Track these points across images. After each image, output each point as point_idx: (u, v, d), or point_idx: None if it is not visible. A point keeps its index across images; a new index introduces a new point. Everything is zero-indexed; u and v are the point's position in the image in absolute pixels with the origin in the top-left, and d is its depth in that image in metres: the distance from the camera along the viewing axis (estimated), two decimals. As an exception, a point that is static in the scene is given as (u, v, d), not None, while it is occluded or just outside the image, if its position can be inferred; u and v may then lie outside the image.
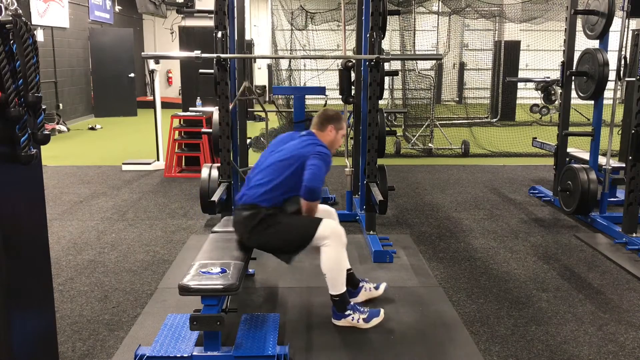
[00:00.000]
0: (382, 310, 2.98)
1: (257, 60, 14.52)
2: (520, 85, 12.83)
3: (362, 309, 2.96)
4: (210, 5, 4.29)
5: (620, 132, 6.07)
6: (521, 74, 12.97)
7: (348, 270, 3.16)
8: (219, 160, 4.31)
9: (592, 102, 5.01)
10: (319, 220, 2.90)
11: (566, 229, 4.77)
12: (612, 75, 4.73)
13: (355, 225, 4.75)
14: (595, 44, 4.98)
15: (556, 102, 11.36)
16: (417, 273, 3.72)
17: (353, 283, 3.23)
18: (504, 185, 6.39)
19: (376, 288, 3.28)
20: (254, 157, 7.37)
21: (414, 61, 10.08)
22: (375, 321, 2.94)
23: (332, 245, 2.85)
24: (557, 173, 5.41)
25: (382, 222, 4.87)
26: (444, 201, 5.68)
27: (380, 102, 4.21)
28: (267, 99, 14.93)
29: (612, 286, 3.59)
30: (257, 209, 2.89)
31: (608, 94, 5.00)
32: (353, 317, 2.93)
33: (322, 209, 3.16)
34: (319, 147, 2.98)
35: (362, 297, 3.22)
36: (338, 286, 2.91)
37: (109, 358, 2.69)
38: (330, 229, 2.87)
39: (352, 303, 2.97)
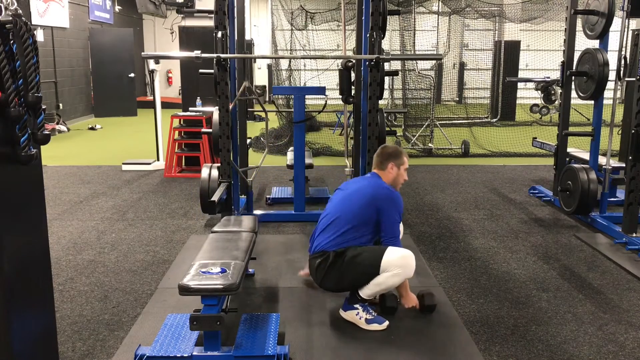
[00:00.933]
0: (387, 322, 2.96)
1: (257, 60, 14.52)
2: (520, 85, 12.83)
3: (371, 311, 2.97)
4: (210, 5, 4.29)
5: (620, 132, 6.07)
6: (521, 74, 12.96)
7: None
8: (219, 160, 4.31)
9: (592, 102, 5.01)
10: (383, 250, 2.91)
11: (566, 229, 4.77)
12: (612, 75, 4.73)
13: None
14: (595, 44, 4.98)
15: (556, 102, 11.36)
16: (417, 273, 3.67)
17: None
18: (504, 185, 6.39)
19: None
20: (254, 157, 7.38)
21: (414, 61, 10.08)
22: (375, 326, 2.93)
23: (399, 275, 2.88)
24: (557, 173, 5.41)
25: (382, 222, 4.87)
26: (444, 201, 5.68)
27: (380, 102, 4.21)
28: (267, 99, 14.93)
29: (612, 286, 3.58)
30: (326, 254, 2.97)
31: (608, 94, 5.00)
32: (358, 313, 2.95)
33: None
34: (385, 192, 3.01)
35: None
36: (369, 294, 2.94)
37: (109, 358, 2.69)
38: (396, 259, 2.88)
39: (366, 303, 2.98)
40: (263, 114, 5.85)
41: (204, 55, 3.99)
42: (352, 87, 4.77)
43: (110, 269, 3.82)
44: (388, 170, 3.14)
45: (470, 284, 3.61)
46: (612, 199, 5.29)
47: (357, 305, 2.96)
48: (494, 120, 12.15)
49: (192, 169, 6.92)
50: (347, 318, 2.99)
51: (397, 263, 2.86)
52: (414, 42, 10.43)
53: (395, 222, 3.01)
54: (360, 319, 2.94)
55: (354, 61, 4.51)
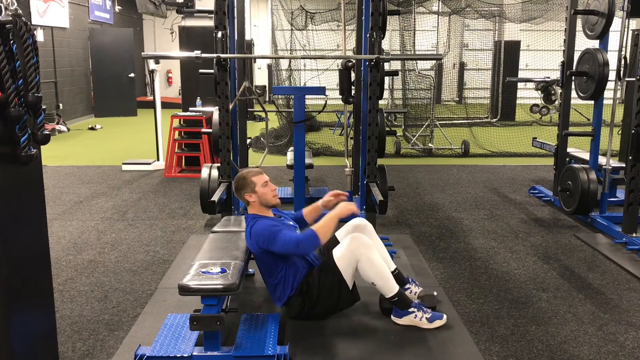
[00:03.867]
0: (445, 316, 2.94)
1: (257, 60, 14.52)
2: (520, 85, 12.83)
3: (425, 309, 2.92)
4: (210, 5, 4.29)
5: (620, 132, 6.07)
6: (521, 74, 12.96)
7: (394, 271, 3.15)
8: (219, 160, 4.31)
9: (592, 102, 5.01)
10: (331, 254, 2.90)
11: (566, 229, 4.77)
12: (612, 75, 4.73)
13: (355, 225, 4.74)
14: (595, 44, 4.98)
15: (556, 102, 11.36)
16: (417, 273, 3.72)
17: (400, 282, 3.16)
18: (504, 185, 6.39)
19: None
20: (254, 157, 7.38)
21: (414, 61, 10.08)
22: (438, 323, 2.89)
23: (361, 255, 2.84)
24: (557, 173, 5.41)
25: (382, 222, 4.87)
26: (444, 201, 5.68)
27: (380, 102, 4.21)
28: (267, 99, 14.94)
29: (612, 286, 3.58)
30: (289, 303, 2.96)
31: (608, 94, 5.00)
32: (416, 315, 2.89)
33: (356, 224, 3.21)
34: (252, 241, 2.91)
35: None
36: (390, 287, 2.89)
37: (109, 358, 2.69)
38: (344, 249, 2.86)
39: (416, 302, 2.94)
40: (263, 114, 5.85)
41: (204, 55, 3.99)
42: (352, 87, 4.78)
43: (110, 269, 3.82)
44: (250, 202, 3.04)
45: (470, 284, 3.61)
46: (612, 199, 5.29)
47: (411, 309, 2.89)
48: (494, 120, 12.15)
49: (192, 169, 6.92)
50: (406, 323, 2.90)
51: (346, 253, 2.84)
52: (414, 42, 10.43)
53: (280, 240, 2.81)
54: (421, 320, 2.88)
55: (354, 61, 4.51)
